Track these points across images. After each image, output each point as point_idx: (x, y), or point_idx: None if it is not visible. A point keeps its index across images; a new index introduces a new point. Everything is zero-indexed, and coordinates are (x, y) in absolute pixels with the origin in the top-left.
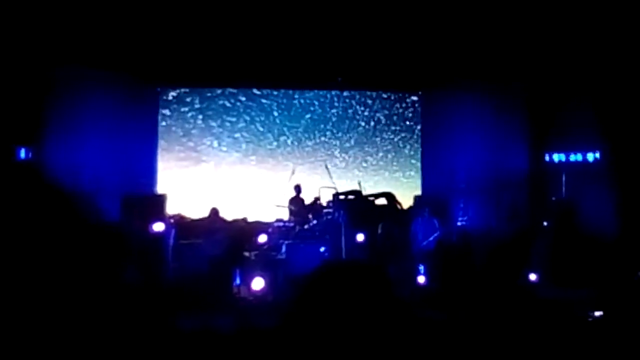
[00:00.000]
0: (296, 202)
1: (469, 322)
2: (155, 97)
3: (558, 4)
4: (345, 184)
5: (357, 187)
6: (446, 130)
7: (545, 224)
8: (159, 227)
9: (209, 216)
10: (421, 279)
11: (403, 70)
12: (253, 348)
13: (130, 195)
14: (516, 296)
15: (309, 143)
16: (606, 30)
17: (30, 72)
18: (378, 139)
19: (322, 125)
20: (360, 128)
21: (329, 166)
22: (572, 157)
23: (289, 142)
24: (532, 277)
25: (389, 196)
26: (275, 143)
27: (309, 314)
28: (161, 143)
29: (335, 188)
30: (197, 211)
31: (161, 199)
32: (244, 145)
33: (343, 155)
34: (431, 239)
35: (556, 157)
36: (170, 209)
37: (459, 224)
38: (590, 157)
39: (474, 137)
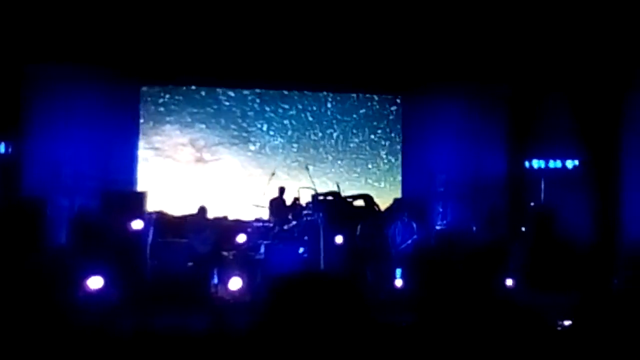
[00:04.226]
0: (277, 202)
1: (438, 325)
2: (136, 95)
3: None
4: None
5: (335, 189)
6: (427, 134)
7: (523, 229)
8: (137, 224)
9: (197, 213)
10: (398, 282)
11: (384, 73)
12: (226, 349)
13: (109, 192)
14: (490, 301)
15: (355, 140)
16: (584, 38)
17: (9, 67)
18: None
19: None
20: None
21: (309, 167)
22: (552, 164)
23: (334, 135)
24: (509, 282)
25: (367, 198)
26: (320, 134)
27: (283, 321)
28: (221, 122)
29: (314, 189)
30: (181, 208)
31: (141, 196)
32: (290, 132)
33: (389, 157)
34: (409, 242)
35: (536, 163)
36: (152, 205)
37: (437, 227)
38: (569, 164)
39: (454, 141)
